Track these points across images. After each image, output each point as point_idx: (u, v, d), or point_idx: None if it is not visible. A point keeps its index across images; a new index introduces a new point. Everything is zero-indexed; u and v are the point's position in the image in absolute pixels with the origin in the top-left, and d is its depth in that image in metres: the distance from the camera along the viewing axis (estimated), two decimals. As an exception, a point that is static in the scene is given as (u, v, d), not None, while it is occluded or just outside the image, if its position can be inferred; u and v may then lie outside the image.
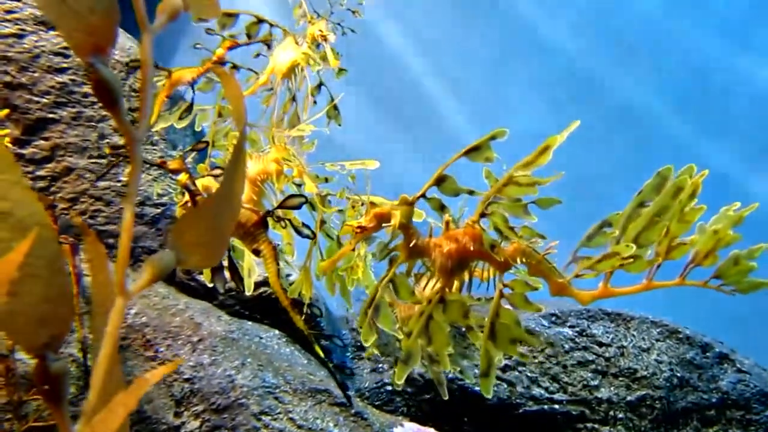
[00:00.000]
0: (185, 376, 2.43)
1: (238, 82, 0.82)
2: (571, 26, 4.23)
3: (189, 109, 2.02)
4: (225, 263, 1.78)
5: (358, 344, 3.20)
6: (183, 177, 1.73)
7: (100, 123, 2.91)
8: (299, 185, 1.89)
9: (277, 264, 1.79)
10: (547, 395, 3.01)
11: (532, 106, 4.16)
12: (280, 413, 2.44)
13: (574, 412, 3.00)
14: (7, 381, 2.14)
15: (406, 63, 4.15)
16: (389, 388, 3.04)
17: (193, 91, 2.02)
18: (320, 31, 2.08)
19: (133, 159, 0.67)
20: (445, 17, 4.26)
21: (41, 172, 2.77)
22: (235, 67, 2.04)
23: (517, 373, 3.04)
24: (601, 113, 4.15)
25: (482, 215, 1.47)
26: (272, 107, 2.09)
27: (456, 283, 1.57)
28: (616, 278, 1.52)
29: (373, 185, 1.63)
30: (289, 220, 1.75)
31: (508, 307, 1.53)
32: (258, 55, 2.08)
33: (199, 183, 1.79)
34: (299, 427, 2.43)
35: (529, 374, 3.04)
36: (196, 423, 2.36)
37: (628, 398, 3.02)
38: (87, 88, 2.92)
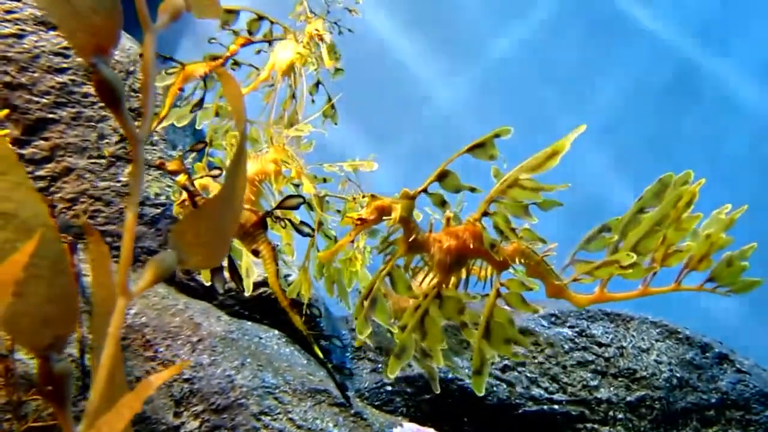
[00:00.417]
0: (185, 376, 2.43)
1: (237, 82, 0.82)
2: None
3: (200, 104, 2.02)
4: (225, 263, 1.79)
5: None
6: (182, 178, 1.73)
7: (99, 123, 2.90)
8: (297, 185, 1.89)
9: (276, 264, 1.79)
10: (546, 395, 3.01)
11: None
12: (279, 413, 2.44)
13: (573, 413, 3.00)
14: (6, 381, 2.13)
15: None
16: (389, 388, 3.03)
17: (205, 87, 2.02)
18: (316, 30, 2.08)
19: (136, 159, 0.67)
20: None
21: (41, 173, 2.77)
22: (236, 63, 2.04)
23: (516, 374, 3.04)
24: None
25: (484, 214, 1.47)
26: (271, 105, 2.09)
27: (453, 280, 1.57)
28: (613, 282, 1.53)
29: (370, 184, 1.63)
30: (289, 219, 1.75)
31: (504, 307, 1.53)
32: (259, 51, 2.08)
33: (197, 182, 1.79)
34: (299, 427, 2.42)
35: (528, 374, 3.04)
36: (196, 423, 2.36)
37: (628, 398, 3.02)
38: (87, 89, 2.92)
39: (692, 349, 3.16)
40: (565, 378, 3.04)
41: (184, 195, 1.75)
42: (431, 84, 4.11)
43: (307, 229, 1.78)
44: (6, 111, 2.69)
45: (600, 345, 3.11)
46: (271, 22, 2.07)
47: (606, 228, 1.54)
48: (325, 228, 1.87)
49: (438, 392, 1.62)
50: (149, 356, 2.47)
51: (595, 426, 2.99)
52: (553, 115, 4.05)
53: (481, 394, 1.55)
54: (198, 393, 2.41)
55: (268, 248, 1.77)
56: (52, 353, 0.61)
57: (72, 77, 2.91)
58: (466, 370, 3.01)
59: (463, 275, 1.58)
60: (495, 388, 2.99)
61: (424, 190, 1.47)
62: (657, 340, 3.15)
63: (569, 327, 3.15)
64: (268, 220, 1.76)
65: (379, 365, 3.11)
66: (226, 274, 1.79)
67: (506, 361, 3.05)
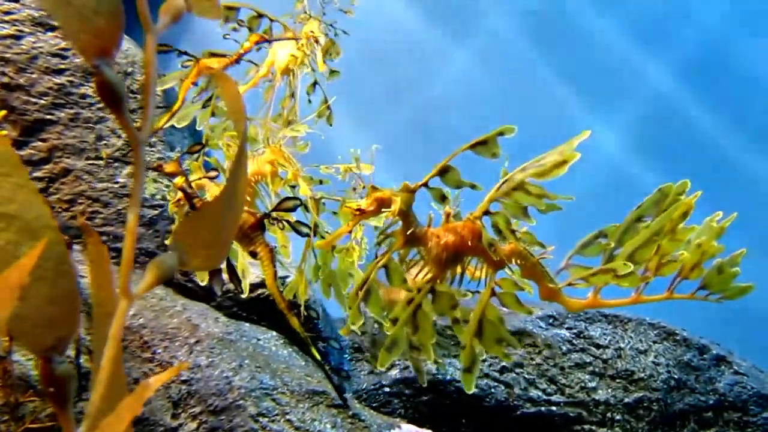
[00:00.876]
0: (182, 378, 2.43)
1: (235, 82, 0.82)
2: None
3: (211, 98, 2.02)
4: (223, 265, 1.78)
5: (356, 346, 3.20)
6: (179, 180, 1.73)
7: (97, 124, 2.90)
8: (293, 187, 1.89)
9: (274, 266, 1.79)
10: (544, 397, 3.01)
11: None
12: (277, 415, 2.44)
13: (571, 414, 3.00)
14: (3, 382, 2.13)
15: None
16: (387, 390, 3.04)
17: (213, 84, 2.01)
18: (311, 32, 2.08)
19: (137, 161, 0.67)
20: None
21: (39, 174, 2.76)
22: (238, 60, 2.03)
23: (514, 375, 3.04)
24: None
25: (485, 212, 1.47)
26: (269, 103, 2.09)
27: (447, 276, 1.57)
28: (606, 288, 1.53)
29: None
30: (287, 220, 1.75)
31: (496, 307, 1.53)
32: (260, 48, 2.08)
33: (192, 179, 1.79)
34: (297, 428, 2.42)
35: (526, 376, 3.05)
36: (194, 425, 2.36)
37: (626, 400, 3.02)
38: (84, 90, 2.92)
39: (690, 350, 3.17)
40: (563, 379, 3.04)
41: (180, 194, 1.75)
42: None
43: (305, 229, 1.78)
44: (4, 112, 2.69)
45: (598, 347, 3.12)
46: (271, 20, 2.07)
47: (602, 234, 1.55)
48: (321, 230, 1.86)
49: (425, 385, 1.62)
50: (147, 357, 2.47)
51: (593, 427, 2.99)
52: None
53: (471, 392, 1.55)
54: (196, 394, 2.40)
55: (266, 250, 1.77)
56: (54, 355, 0.61)
57: (70, 78, 2.91)
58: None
59: (458, 272, 1.58)
60: (493, 390, 3.00)
61: (425, 185, 1.47)
62: (655, 342, 3.16)
63: (567, 328, 3.15)
64: (266, 221, 1.76)
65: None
66: (225, 276, 1.79)
67: (504, 363, 3.06)
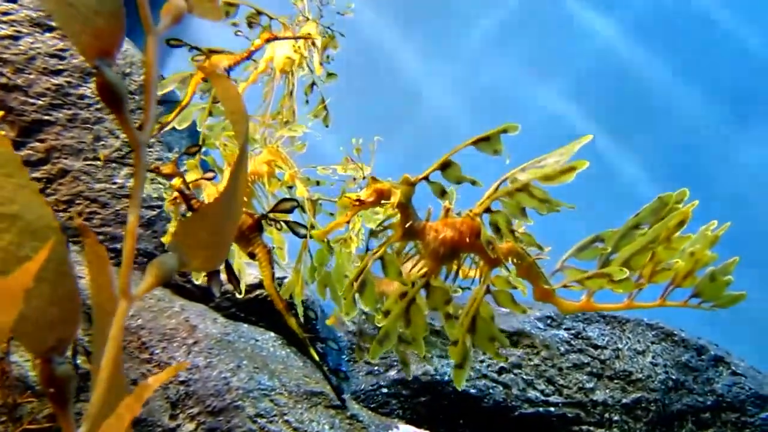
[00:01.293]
0: (180, 379, 2.42)
1: (232, 82, 0.82)
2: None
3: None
4: (221, 266, 1.78)
5: (354, 347, 3.20)
6: (177, 181, 1.73)
7: (95, 125, 2.90)
8: (290, 187, 1.89)
9: (272, 267, 1.79)
10: (542, 398, 3.02)
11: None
12: (275, 416, 2.44)
13: (569, 415, 3.00)
14: (1, 383, 2.13)
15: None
16: (385, 390, 3.04)
17: (229, 77, 2.01)
18: (309, 34, 2.08)
19: (138, 163, 0.67)
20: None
21: (37, 174, 2.76)
22: (248, 57, 2.03)
23: (512, 376, 3.04)
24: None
25: (486, 210, 1.47)
26: (267, 102, 2.09)
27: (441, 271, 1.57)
28: (599, 292, 1.54)
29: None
30: (286, 221, 1.75)
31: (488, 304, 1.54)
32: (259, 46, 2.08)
33: (189, 179, 1.78)
34: (295, 429, 2.42)
35: (524, 377, 3.05)
36: (192, 425, 2.35)
37: (624, 401, 3.02)
38: (82, 90, 2.91)
39: (688, 351, 3.17)
40: (561, 380, 3.04)
41: (175, 183, 1.75)
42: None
43: (302, 231, 1.78)
44: (1, 113, 2.69)
45: (596, 347, 3.12)
46: (270, 18, 2.07)
47: (599, 239, 1.56)
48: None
49: (410, 378, 1.63)
50: (145, 358, 2.47)
51: (591, 428, 3.00)
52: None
53: (461, 388, 1.56)
54: (194, 395, 2.40)
55: (264, 251, 1.77)
56: (55, 355, 0.61)
57: (68, 79, 2.91)
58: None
59: (454, 268, 1.58)
60: (491, 391, 3.00)
61: (426, 178, 1.47)
62: (653, 343, 3.16)
63: (565, 329, 3.15)
64: (263, 222, 1.76)
65: (375, 367, 3.11)
66: (223, 277, 1.79)
67: (502, 364, 3.06)
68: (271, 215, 1.73)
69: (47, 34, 2.90)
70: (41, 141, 2.81)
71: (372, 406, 2.99)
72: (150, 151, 3.00)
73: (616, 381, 3.06)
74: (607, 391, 3.04)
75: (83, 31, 0.58)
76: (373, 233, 1.60)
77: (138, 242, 2.82)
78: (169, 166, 1.75)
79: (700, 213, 1.46)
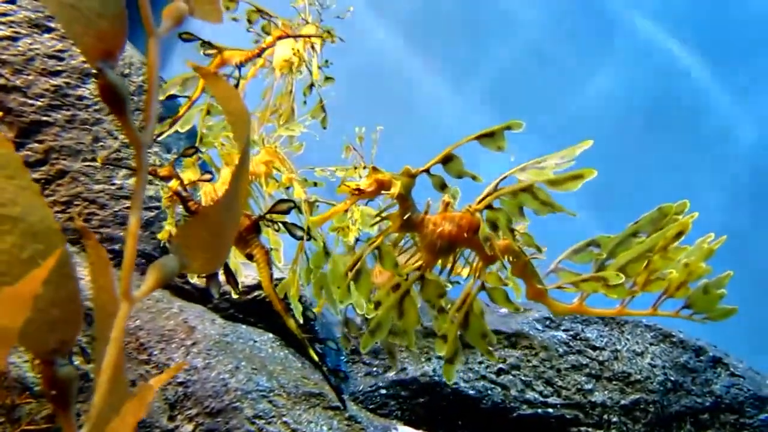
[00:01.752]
0: (179, 380, 2.42)
1: (229, 83, 0.82)
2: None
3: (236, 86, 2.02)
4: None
5: (353, 348, 3.20)
6: (174, 183, 1.73)
7: (94, 126, 2.90)
8: (287, 188, 1.89)
9: (270, 268, 1.79)
10: (541, 399, 3.02)
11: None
12: (274, 417, 2.43)
13: (568, 416, 3.00)
14: (0, 384, 2.13)
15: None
16: (383, 391, 3.04)
17: (240, 74, 2.01)
18: (321, 32, 2.08)
19: (139, 164, 0.67)
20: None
21: (35, 175, 2.76)
22: (259, 54, 2.02)
23: (511, 377, 3.05)
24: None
25: (487, 206, 1.47)
26: (267, 99, 2.09)
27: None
28: (590, 297, 1.55)
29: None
30: (284, 223, 1.75)
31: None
32: (257, 41, 2.07)
33: (185, 176, 1.78)
34: (293, 430, 2.42)
35: (523, 378, 3.05)
36: (190, 427, 2.35)
37: (622, 402, 3.03)
38: (81, 91, 2.91)
39: (686, 352, 3.17)
40: (559, 381, 3.05)
41: (172, 185, 1.75)
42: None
43: (299, 232, 1.77)
44: (0, 113, 2.69)
45: (594, 348, 3.12)
46: (270, 16, 2.07)
47: (594, 243, 1.56)
48: (314, 233, 1.86)
49: (396, 368, 1.64)
50: (143, 359, 2.47)
51: (590, 429, 3.00)
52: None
53: (451, 382, 1.56)
54: (192, 396, 2.40)
55: (262, 252, 1.77)
56: (57, 357, 0.61)
57: (66, 80, 2.90)
58: (460, 374, 3.02)
59: (449, 263, 1.58)
60: (490, 392, 3.00)
61: (427, 171, 1.47)
62: (651, 344, 3.16)
63: (564, 330, 3.15)
64: (260, 223, 1.76)
65: (374, 368, 3.12)
66: (222, 278, 1.79)
67: (501, 365, 3.06)
68: (268, 216, 1.73)
69: (46, 35, 2.90)
70: (40, 142, 2.81)
71: (370, 407, 2.99)
72: (149, 152, 2.99)
73: (614, 382, 3.06)
74: (606, 392, 3.04)
75: (86, 33, 0.58)
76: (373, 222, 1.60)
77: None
78: (166, 169, 1.75)
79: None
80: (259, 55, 2.01)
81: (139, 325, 2.54)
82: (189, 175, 1.83)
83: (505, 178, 1.48)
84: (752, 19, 4.19)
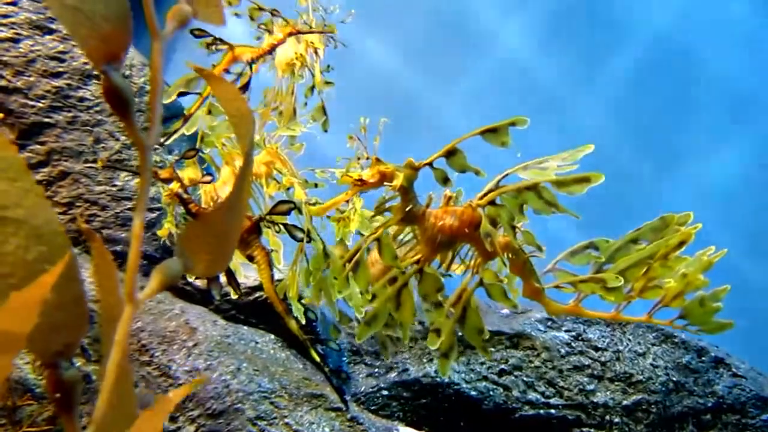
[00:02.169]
0: (180, 381, 2.42)
1: (232, 84, 0.81)
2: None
3: (246, 87, 2.02)
4: (222, 269, 1.78)
5: (354, 349, 3.20)
6: (174, 186, 1.72)
7: (95, 127, 2.90)
8: (288, 189, 1.89)
9: (271, 270, 1.79)
10: (543, 400, 3.02)
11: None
12: (275, 418, 2.43)
13: (570, 417, 3.00)
14: (0, 386, 2.13)
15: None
16: (385, 392, 3.04)
17: (251, 70, 2.01)
18: (311, 42, 2.08)
19: (143, 166, 0.66)
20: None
21: (37, 177, 2.76)
22: (270, 51, 2.02)
23: (513, 378, 3.04)
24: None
25: (490, 203, 1.47)
26: (269, 99, 2.08)
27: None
28: (587, 299, 1.55)
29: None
30: (284, 224, 1.75)
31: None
32: (259, 38, 2.07)
33: (184, 174, 1.78)
34: (295, 431, 2.42)
35: (525, 379, 3.05)
36: (192, 428, 2.35)
37: (624, 402, 3.02)
38: (82, 93, 2.91)
39: (688, 353, 3.17)
40: (561, 382, 3.04)
41: (173, 187, 1.74)
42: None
43: (300, 234, 1.77)
44: (1, 115, 2.69)
45: (596, 349, 3.12)
46: (272, 14, 2.06)
47: (593, 245, 1.56)
48: (314, 235, 1.86)
49: (388, 360, 1.64)
50: (145, 361, 2.47)
51: (592, 430, 3.00)
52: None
53: (446, 376, 1.57)
54: (194, 398, 2.40)
55: (263, 254, 1.77)
56: (61, 360, 0.61)
57: (68, 81, 2.91)
58: (462, 375, 3.01)
59: (448, 257, 1.58)
60: (491, 393, 3.00)
61: (430, 164, 1.47)
62: (653, 344, 3.16)
63: (565, 331, 3.15)
64: (261, 225, 1.75)
65: (376, 369, 3.11)
66: (223, 279, 1.79)
67: (503, 366, 3.06)
68: (269, 217, 1.73)
69: (47, 37, 2.90)
70: (41, 143, 2.81)
71: (372, 408, 2.99)
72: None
73: (616, 383, 3.06)
74: (608, 393, 3.04)
75: (91, 36, 0.58)
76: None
77: (138, 244, 2.82)
78: (167, 171, 1.75)
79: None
80: (269, 52, 2.01)
81: (140, 326, 2.54)
82: (189, 173, 1.83)
83: (507, 175, 1.48)
84: None
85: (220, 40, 1.97)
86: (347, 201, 1.64)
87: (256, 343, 2.77)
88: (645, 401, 3.02)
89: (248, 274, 2.79)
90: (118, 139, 2.91)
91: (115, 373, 0.65)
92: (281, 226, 1.74)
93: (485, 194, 1.49)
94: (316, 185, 1.88)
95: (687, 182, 4.06)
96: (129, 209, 2.87)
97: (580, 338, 3.14)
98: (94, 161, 2.84)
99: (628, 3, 4.28)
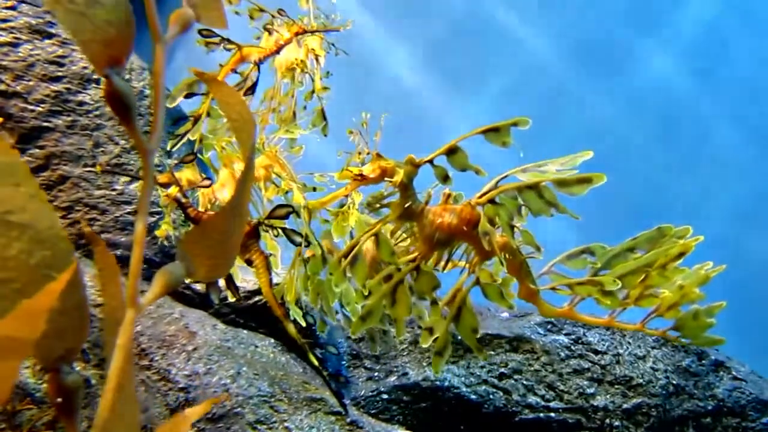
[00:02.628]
0: (180, 386, 2.42)
1: (233, 88, 0.81)
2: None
3: (253, 88, 2.02)
4: (223, 274, 1.77)
5: (354, 352, 3.19)
6: (173, 190, 1.72)
7: (95, 132, 2.90)
8: (286, 193, 1.89)
9: (270, 274, 1.79)
10: (543, 403, 3.01)
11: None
12: (275, 422, 2.43)
13: (570, 420, 3.00)
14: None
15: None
16: (385, 396, 3.03)
17: (259, 70, 2.01)
18: (312, 48, 2.08)
19: (146, 171, 0.66)
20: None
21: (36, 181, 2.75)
22: (278, 51, 2.02)
23: (513, 381, 3.04)
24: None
25: (490, 201, 1.47)
26: (268, 102, 2.09)
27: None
28: (581, 303, 1.55)
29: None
30: (283, 228, 1.75)
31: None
32: (259, 37, 2.08)
33: (182, 176, 1.78)
34: (295, 436, 2.42)
35: (525, 382, 3.04)
36: (192, 432, 2.35)
37: (624, 406, 3.02)
38: (82, 97, 2.91)
39: (688, 356, 3.17)
40: (561, 386, 3.04)
41: (173, 189, 1.75)
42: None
43: (298, 238, 1.77)
44: (1, 119, 2.69)
45: (596, 352, 3.12)
46: (273, 16, 2.07)
47: (589, 251, 1.56)
48: (312, 239, 1.86)
49: (377, 352, 1.64)
50: (144, 365, 2.47)
51: (592, 434, 3.00)
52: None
53: (438, 374, 1.57)
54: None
55: (261, 258, 1.77)
56: (63, 365, 0.61)
57: (67, 86, 2.90)
58: (462, 378, 3.01)
59: (445, 256, 1.58)
60: (491, 396, 3.00)
61: (430, 161, 1.47)
62: (653, 348, 3.16)
63: (565, 334, 3.15)
64: (259, 229, 1.76)
65: (376, 373, 3.11)
66: (222, 283, 1.79)
67: (503, 369, 3.06)
68: (267, 221, 1.73)
69: (46, 41, 2.90)
70: (40, 147, 2.81)
71: (372, 412, 2.99)
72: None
73: (616, 386, 3.06)
74: (608, 396, 3.04)
75: (93, 40, 0.58)
76: (370, 208, 1.61)
77: (137, 249, 2.82)
78: (166, 175, 1.75)
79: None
80: (277, 52, 2.01)
81: (140, 330, 2.54)
82: (187, 175, 1.83)
83: (506, 177, 1.48)
84: None
85: (228, 40, 1.98)
86: (346, 196, 1.64)
87: (256, 347, 2.77)
88: (645, 404, 3.02)
89: (248, 278, 2.79)
90: (117, 144, 2.91)
91: (118, 377, 0.65)
92: (279, 230, 1.74)
93: (485, 193, 1.49)
94: (314, 189, 1.88)
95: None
96: (129, 213, 2.87)
97: (580, 341, 3.14)
98: (94, 165, 2.84)
99: None
